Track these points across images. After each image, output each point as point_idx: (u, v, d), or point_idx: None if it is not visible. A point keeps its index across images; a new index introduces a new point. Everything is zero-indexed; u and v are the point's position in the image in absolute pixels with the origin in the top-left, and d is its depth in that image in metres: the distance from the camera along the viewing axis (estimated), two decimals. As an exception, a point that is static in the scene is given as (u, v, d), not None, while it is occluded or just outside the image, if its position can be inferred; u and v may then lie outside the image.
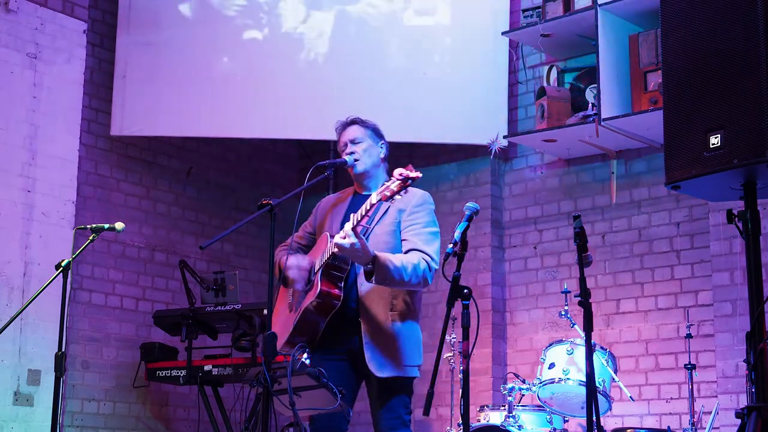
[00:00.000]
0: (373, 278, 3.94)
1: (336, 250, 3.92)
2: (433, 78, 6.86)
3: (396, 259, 3.99)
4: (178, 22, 6.93)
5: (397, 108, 6.76)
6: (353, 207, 4.25)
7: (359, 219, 3.90)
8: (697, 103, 3.35)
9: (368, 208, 3.89)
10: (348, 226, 3.88)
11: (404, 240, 4.13)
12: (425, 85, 6.85)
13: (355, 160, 4.23)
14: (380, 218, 4.18)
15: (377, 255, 3.94)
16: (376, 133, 4.34)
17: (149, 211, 7.21)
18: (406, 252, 4.09)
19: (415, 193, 4.23)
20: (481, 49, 6.86)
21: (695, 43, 3.38)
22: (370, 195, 4.20)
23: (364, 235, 4.09)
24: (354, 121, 4.34)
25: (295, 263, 4.17)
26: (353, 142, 4.28)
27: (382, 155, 4.33)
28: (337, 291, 4.04)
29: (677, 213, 6.28)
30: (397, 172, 3.84)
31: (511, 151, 7.00)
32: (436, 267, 4.10)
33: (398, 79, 6.86)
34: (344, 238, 3.86)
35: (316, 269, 4.12)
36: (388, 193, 3.80)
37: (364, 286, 4.09)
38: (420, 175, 3.83)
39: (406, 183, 3.80)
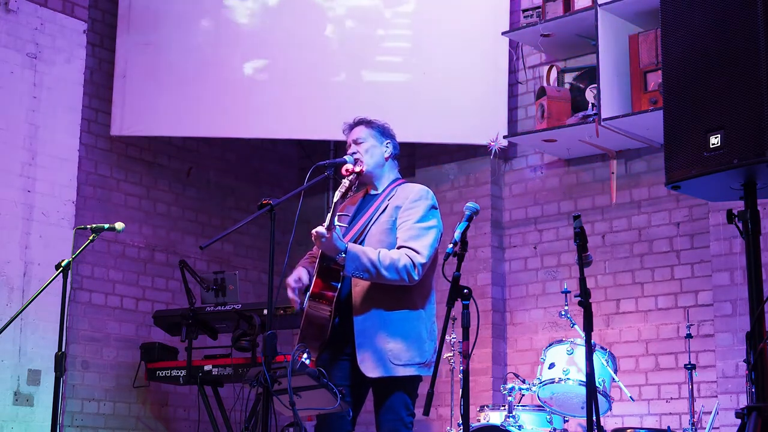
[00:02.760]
0: (345, 269, 3.96)
1: (316, 245, 4.00)
2: (433, 78, 6.86)
3: (372, 253, 4.00)
4: (178, 22, 6.92)
5: (397, 108, 6.76)
6: (362, 207, 4.30)
7: (331, 216, 3.91)
8: (697, 103, 3.35)
9: (333, 207, 3.93)
10: (321, 227, 3.93)
11: (397, 237, 4.14)
12: (425, 85, 6.85)
13: (356, 160, 4.24)
14: (377, 217, 4.20)
15: (348, 246, 3.97)
16: (382, 133, 4.35)
17: (149, 211, 7.21)
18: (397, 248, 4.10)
19: (413, 189, 4.25)
20: (481, 49, 6.86)
21: (695, 43, 3.38)
22: (378, 194, 4.24)
23: (360, 234, 4.15)
24: (359, 122, 4.36)
25: (292, 279, 4.20)
26: (356, 142, 4.30)
27: (386, 154, 4.34)
28: (329, 292, 4.05)
29: (677, 213, 6.28)
30: (343, 169, 4.13)
31: (511, 151, 6.99)
32: (424, 261, 4.06)
33: (398, 79, 6.86)
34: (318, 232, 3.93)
35: (314, 272, 4.14)
36: (343, 190, 4.02)
37: (358, 286, 4.09)
38: (364, 168, 4.18)
39: (354, 179, 4.12)
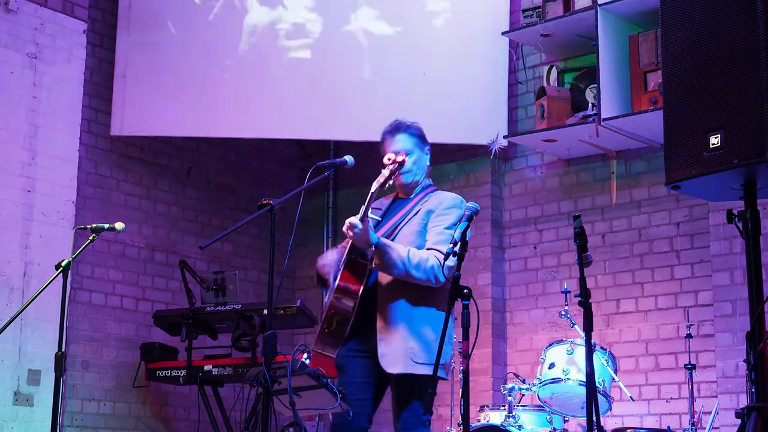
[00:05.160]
0: (373, 263, 3.97)
1: (349, 236, 3.98)
2: (433, 78, 6.86)
3: (402, 250, 4.01)
4: (178, 22, 6.92)
5: (397, 108, 6.73)
6: (392, 208, 4.30)
7: (365, 208, 3.91)
8: (697, 103, 3.35)
9: (369, 198, 3.92)
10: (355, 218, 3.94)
11: (426, 240, 4.16)
12: (425, 85, 6.85)
13: (407, 172, 4.21)
14: (410, 219, 4.22)
15: (380, 240, 3.98)
16: (422, 140, 4.31)
17: (149, 211, 7.21)
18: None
19: (447, 197, 4.26)
20: (481, 49, 6.86)
21: (695, 43, 3.38)
22: (410, 198, 4.27)
23: (392, 233, 4.16)
24: (399, 128, 4.28)
25: (323, 261, 4.22)
26: (401, 153, 4.22)
27: (428, 163, 4.33)
28: (355, 286, 4.04)
29: (677, 213, 6.28)
30: (386, 158, 4.08)
31: (511, 151, 7.00)
32: (452, 264, 4.06)
33: (398, 79, 6.86)
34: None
35: (342, 264, 4.12)
36: (382, 180, 3.98)
37: (384, 281, 4.10)
38: (404, 158, 4.11)
39: (395, 169, 4.06)
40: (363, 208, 3.91)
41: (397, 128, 4.28)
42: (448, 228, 4.14)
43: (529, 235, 6.85)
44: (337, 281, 4.05)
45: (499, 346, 6.78)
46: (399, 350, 4.03)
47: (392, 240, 4.15)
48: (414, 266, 4.00)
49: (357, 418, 4.03)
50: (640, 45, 6.06)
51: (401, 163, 4.11)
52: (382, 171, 4.03)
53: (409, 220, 4.20)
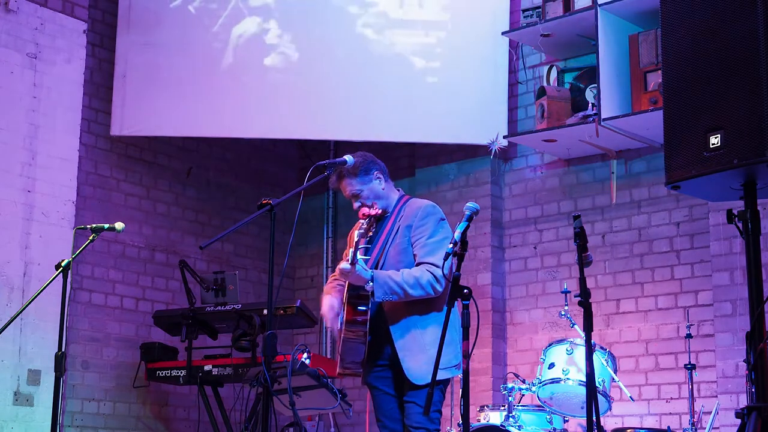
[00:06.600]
0: (374, 296, 4.16)
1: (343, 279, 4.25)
2: (433, 78, 6.86)
3: (396, 275, 4.19)
4: (178, 22, 6.92)
5: (397, 108, 6.77)
6: (377, 231, 4.43)
7: (354, 252, 4.10)
8: (697, 103, 3.35)
9: (356, 244, 4.12)
10: (344, 263, 4.14)
11: (415, 255, 4.31)
12: (425, 85, 6.86)
13: (373, 206, 4.39)
14: (392, 240, 4.37)
15: (375, 273, 4.18)
16: (367, 172, 4.42)
17: (149, 211, 7.21)
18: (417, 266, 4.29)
19: (419, 207, 4.40)
20: (481, 49, 6.86)
21: (695, 43, 3.38)
22: (389, 216, 4.44)
23: (379, 258, 4.34)
24: (342, 175, 4.41)
25: (326, 309, 4.38)
26: (355, 197, 4.41)
27: (382, 185, 4.45)
28: (360, 317, 4.24)
29: (677, 213, 6.28)
30: (360, 213, 4.33)
31: (511, 151, 6.99)
32: (444, 272, 4.17)
33: (398, 79, 6.86)
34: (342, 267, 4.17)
35: (344, 300, 4.32)
36: (362, 230, 4.18)
37: (389, 303, 4.26)
38: (379, 211, 4.33)
39: (371, 221, 4.28)
40: (351, 251, 4.08)
41: (339, 176, 4.42)
42: (429, 238, 4.31)
43: (529, 235, 6.85)
44: (343, 316, 4.25)
45: (499, 346, 6.78)
46: (423, 361, 4.21)
47: (383, 263, 4.34)
48: (411, 286, 4.18)
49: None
50: (640, 45, 6.06)
51: (376, 216, 4.32)
52: (360, 222, 4.24)
53: (393, 239, 4.37)
